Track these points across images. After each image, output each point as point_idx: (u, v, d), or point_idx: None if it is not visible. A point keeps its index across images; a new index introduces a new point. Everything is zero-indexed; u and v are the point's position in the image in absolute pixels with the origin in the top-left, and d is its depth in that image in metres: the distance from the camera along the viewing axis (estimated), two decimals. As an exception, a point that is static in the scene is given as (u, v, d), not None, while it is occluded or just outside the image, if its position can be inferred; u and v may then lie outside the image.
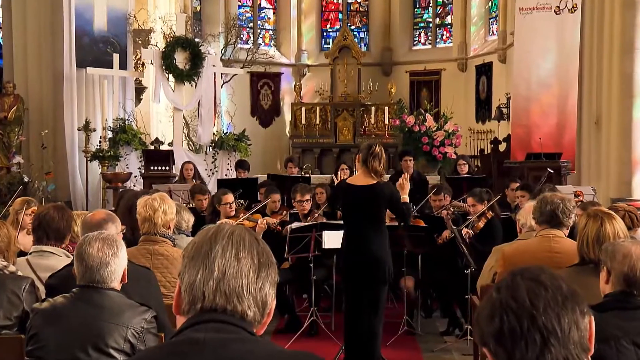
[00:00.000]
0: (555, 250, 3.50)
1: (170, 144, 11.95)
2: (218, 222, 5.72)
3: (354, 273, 4.82)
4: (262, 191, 7.33)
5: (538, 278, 1.22)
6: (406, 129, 11.26)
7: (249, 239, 1.34)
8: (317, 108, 14.76)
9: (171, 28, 11.93)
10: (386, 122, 13.93)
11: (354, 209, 4.82)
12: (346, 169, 8.85)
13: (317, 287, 6.12)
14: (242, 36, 15.64)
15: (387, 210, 4.89)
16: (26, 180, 10.25)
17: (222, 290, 1.29)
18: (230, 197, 6.15)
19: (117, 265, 2.56)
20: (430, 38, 16.61)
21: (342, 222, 5.27)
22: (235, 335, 1.27)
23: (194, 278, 1.30)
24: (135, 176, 10.46)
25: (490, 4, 15.31)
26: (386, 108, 14.08)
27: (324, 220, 6.40)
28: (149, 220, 3.61)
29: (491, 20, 15.30)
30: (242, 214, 6.28)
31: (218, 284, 1.29)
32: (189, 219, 4.56)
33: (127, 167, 10.63)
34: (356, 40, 16.03)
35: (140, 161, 10.65)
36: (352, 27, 16.52)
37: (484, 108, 14.96)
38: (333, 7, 17.01)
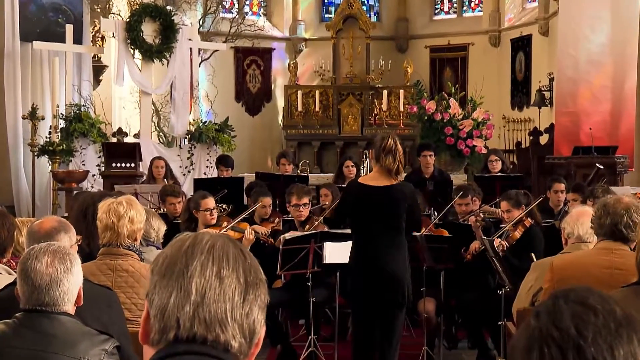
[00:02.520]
0: (616, 266, 3.51)
1: (136, 136, 11.93)
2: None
3: (364, 294, 4.83)
4: (251, 194, 7.31)
5: (585, 301, 1.20)
6: (425, 118, 11.26)
7: (233, 253, 1.34)
8: (317, 92, 14.76)
9: (137, -7, 11.97)
10: (401, 108, 13.94)
11: (367, 215, 4.84)
12: (352, 166, 8.92)
13: (316, 311, 6.12)
14: (224, 3, 15.64)
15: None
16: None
17: (201, 316, 1.28)
18: (210, 202, 6.15)
19: (70, 284, 2.56)
20: (455, 5, 16.61)
21: (348, 231, 5.27)
22: None
23: (165, 301, 1.30)
24: (94, 175, 10.45)
25: (529, -37, 15.34)
26: (401, 92, 14.08)
27: (326, 229, 6.38)
28: (112, 228, 3.61)
29: (530, -17, 15.33)
30: (225, 222, 6.27)
31: (196, 309, 1.28)
32: (159, 227, 4.56)
33: (84, 164, 10.63)
34: (364, 8, 16.02)
35: (100, 157, 10.64)
36: (360, -8, 16.53)
37: (521, 92, 14.96)
38: (336, -32, 17.03)
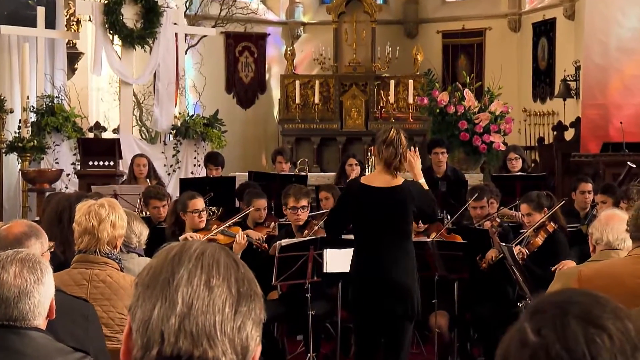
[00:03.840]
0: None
1: (115, 131, 11.91)
2: (182, 237, 5.72)
3: (369, 307, 4.83)
4: (243, 196, 7.32)
5: (598, 321, 1.19)
6: (437, 111, 11.24)
7: (224, 261, 1.34)
8: (316, 82, 14.74)
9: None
10: (410, 100, 13.92)
11: (370, 218, 4.84)
12: (355, 164, 8.94)
13: (315, 326, 6.12)
14: (213, -17, 15.64)
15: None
16: None
17: (187, 329, 1.28)
18: (199, 202, 6.16)
19: (41, 295, 2.55)
20: (470, -14, 16.60)
21: (351, 237, 5.27)
22: None
23: (149, 314, 1.30)
24: (68, 175, 10.44)
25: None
26: (410, 82, 14.07)
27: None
28: (91, 233, 3.60)
29: (554, -39, 15.30)
30: (214, 226, 6.28)
31: (182, 322, 1.28)
32: (141, 231, 4.55)
33: (57, 163, 10.62)
34: (370, -11, 16.01)
35: (75, 154, 10.63)
36: (364, -29, 16.51)
37: (544, 82, 14.95)
38: (338, -56, 17.01)
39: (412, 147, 5.15)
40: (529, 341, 1.19)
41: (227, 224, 6.39)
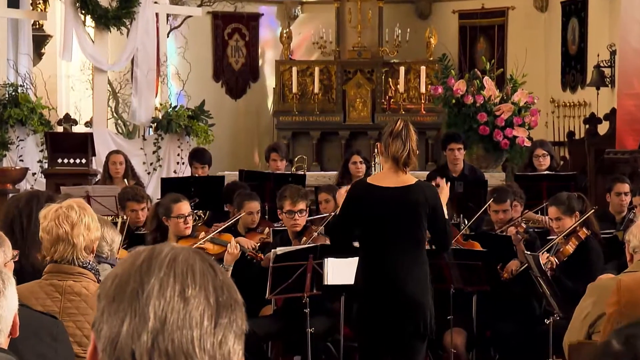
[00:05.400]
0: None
1: (88, 124, 11.91)
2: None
3: (375, 323, 4.83)
4: (233, 198, 7.31)
5: None
6: (453, 101, 11.25)
7: (200, 267, 1.34)
8: (316, 69, 14.73)
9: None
10: (422, 90, 13.91)
11: (378, 223, 4.85)
12: (360, 162, 8.95)
13: (315, 345, 6.12)
14: (199, -43, 15.64)
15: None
16: None
17: (161, 347, 1.28)
18: (185, 206, 6.17)
19: (3, 309, 2.55)
20: (491, -40, 16.60)
21: (356, 244, 5.27)
22: None
23: (117, 330, 1.29)
24: (34, 174, 10.45)
25: None
26: (422, 68, 14.05)
27: (327, 242, 6.35)
28: (64, 240, 3.59)
29: None
30: (202, 233, 6.27)
31: (155, 339, 1.28)
32: (112, 239, 4.52)
33: (21, 160, 10.63)
34: (376, -37, 16.01)
35: (42, 150, 10.64)
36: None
37: (574, 68, 14.94)
38: None
39: (439, 179, 5.19)
40: (613, 349, 1.20)
41: (217, 231, 6.39)
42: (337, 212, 5.57)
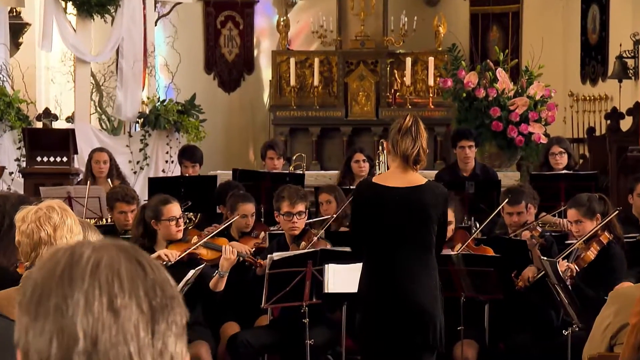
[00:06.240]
0: None
1: (70, 120, 11.89)
2: (155, 255, 5.71)
3: (380, 335, 4.83)
4: (226, 199, 7.29)
5: None
6: (464, 95, 11.24)
7: (127, 270, 1.31)
8: (316, 60, 14.73)
9: None
10: (431, 82, 13.91)
11: (385, 226, 4.84)
12: (364, 160, 8.93)
13: (314, 358, 6.10)
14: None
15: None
16: None
17: None
18: (175, 208, 6.16)
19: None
20: (504, -57, 16.61)
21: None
22: None
23: (46, 351, 1.26)
24: (11, 173, 10.44)
25: None
26: (430, 59, 14.05)
27: (328, 247, 6.38)
28: (47, 243, 3.57)
29: None
30: (194, 237, 6.26)
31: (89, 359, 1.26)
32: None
33: (-3, 158, 10.62)
34: (380, -54, 16.01)
35: (20, 148, 10.62)
36: None
37: (594, 59, 14.94)
38: None
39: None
40: None
41: (211, 235, 6.38)
42: (352, 220, 5.54)
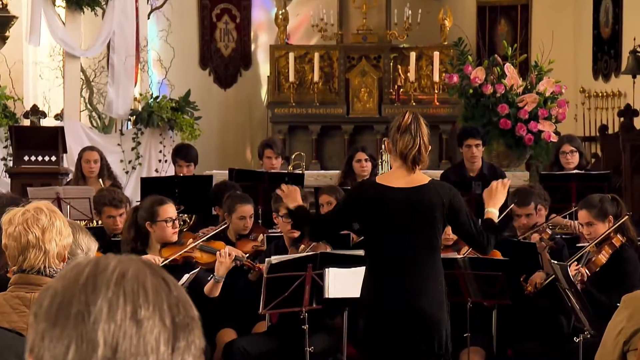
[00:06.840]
0: None
1: (59, 117, 11.90)
2: (149, 255, 5.72)
3: (384, 342, 4.84)
4: (223, 200, 7.32)
5: None
6: (471, 91, 11.25)
7: (153, 284, 1.34)
8: (316, 54, 14.73)
9: None
10: (436, 78, 13.93)
11: (388, 228, 4.85)
12: (366, 160, 8.95)
13: (315, 366, 6.11)
14: None
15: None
16: None
17: None
18: (171, 209, 6.17)
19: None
20: None
21: (360, 252, 5.26)
22: None
23: (61, 358, 1.28)
24: (-4, 173, 10.45)
25: None
26: (435, 54, 14.06)
27: (328, 250, 6.38)
28: (36, 246, 3.59)
29: None
30: (190, 240, 6.26)
31: None
32: (88, 246, 4.50)
33: (-18, 157, 10.64)
34: None
35: (6, 146, 10.64)
36: None
37: (607, 54, 14.95)
38: None
39: (500, 181, 5.19)
40: None
41: (206, 237, 6.38)
42: (335, 206, 5.60)
